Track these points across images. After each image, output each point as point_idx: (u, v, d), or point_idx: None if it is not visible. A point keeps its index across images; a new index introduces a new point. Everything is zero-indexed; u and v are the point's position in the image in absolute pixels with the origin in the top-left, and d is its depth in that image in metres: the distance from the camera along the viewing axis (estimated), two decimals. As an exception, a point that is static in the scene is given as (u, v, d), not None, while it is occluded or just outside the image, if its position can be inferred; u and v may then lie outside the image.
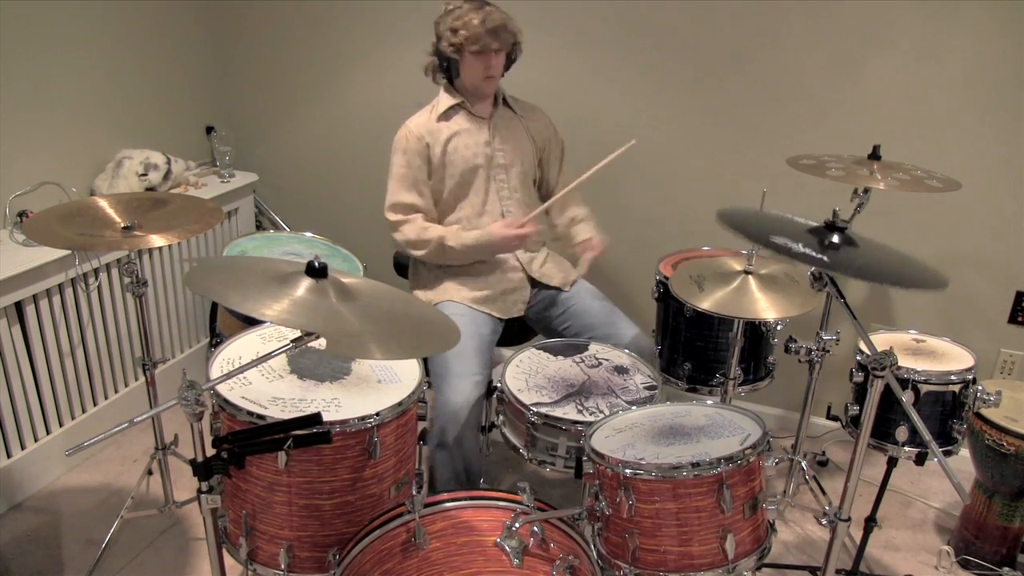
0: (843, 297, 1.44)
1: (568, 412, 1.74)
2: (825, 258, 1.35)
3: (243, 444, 1.32)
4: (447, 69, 2.15)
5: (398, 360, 1.75)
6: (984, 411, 2.08)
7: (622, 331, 2.11)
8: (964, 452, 2.18)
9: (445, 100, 2.16)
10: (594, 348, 2.04)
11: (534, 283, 2.23)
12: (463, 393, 1.88)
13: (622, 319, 2.15)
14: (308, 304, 1.29)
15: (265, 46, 3.07)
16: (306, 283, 1.32)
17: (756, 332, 2.21)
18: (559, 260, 2.31)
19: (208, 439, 1.31)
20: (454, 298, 2.16)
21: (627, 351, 2.03)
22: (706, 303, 1.84)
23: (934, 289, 1.34)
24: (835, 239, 1.43)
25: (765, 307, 1.85)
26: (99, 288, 2.50)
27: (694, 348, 2.26)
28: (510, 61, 2.17)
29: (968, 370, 1.95)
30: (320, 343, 1.77)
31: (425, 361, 1.96)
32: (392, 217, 2.16)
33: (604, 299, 2.22)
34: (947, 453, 1.98)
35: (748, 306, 1.86)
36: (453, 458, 1.92)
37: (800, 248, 1.35)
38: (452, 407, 1.88)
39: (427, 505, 1.38)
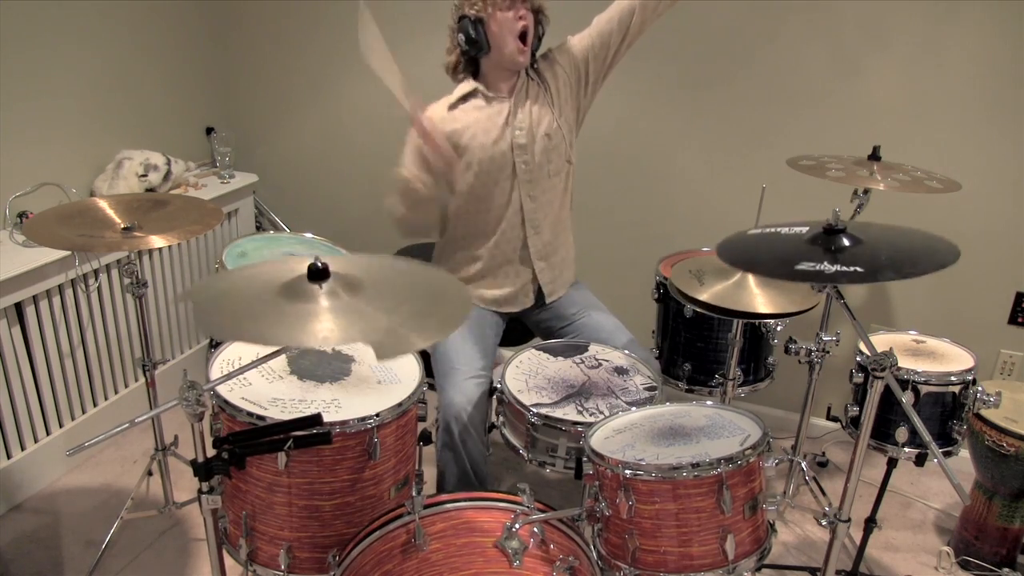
0: (843, 298, 1.44)
1: (568, 413, 1.74)
2: (860, 269, 1.33)
3: (243, 445, 1.32)
4: (474, 56, 2.00)
5: (397, 360, 1.75)
6: (984, 412, 2.08)
7: (616, 339, 2.09)
8: (964, 453, 2.18)
9: (460, 89, 2.05)
10: (594, 349, 2.04)
11: (539, 295, 2.19)
12: (465, 392, 1.87)
13: (621, 330, 2.13)
14: (340, 310, 1.21)
15: (265, 47, 3.07)
16: (318, 289, 1.25)
17: (756, 333, 2.21)
18: (563, 267, 2.22)
19: (208, 440, 1.32)
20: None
21: (627, 352, 2.03)
22: (705, 296, 1.84)
23: (953, 261, 1.34)
24: (845, 242, 1.41)
25: (763, 303, 1.85)
26: (99, 289, 2.50)
27: (694, 349, 2.26)
28: (537, 39, 2.02)
29: (968, 371, 1.95)
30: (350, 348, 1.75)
31: (428, 362, 1.96)
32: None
33: (609, 312, 2.19)
34: (947, 454, 1.98)
35: (747, 301, 1.86)
36: (459, 459, 1.90)
37: (833, 268, 1.33)
38: (456, 407, 1.86)
39: (427, 506, 1.38)
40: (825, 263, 1.34)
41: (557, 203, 2.13)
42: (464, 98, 2.05)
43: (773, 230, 1.53)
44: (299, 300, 1.23)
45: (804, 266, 1.34)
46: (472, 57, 2.03)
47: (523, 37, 1.96)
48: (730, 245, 1.51)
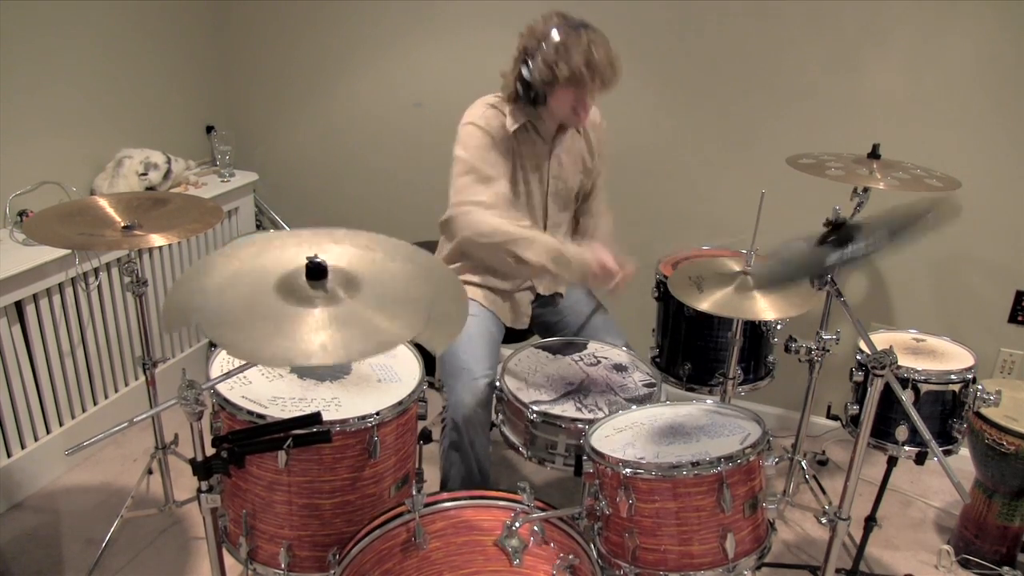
0: (843, 296, 1.44)
1: (567, 410, 1.74)
2: (878, 241, 1.36)
3: (243, 443, 1.32)
4: (532, 97, 1.90)
5: (397, 358, 1.75)
6: (984, 410, 2.08)
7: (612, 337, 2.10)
8: (964, 451, 2.18)
9: (519, 114, 1.95)
10: (593, 347, 2.04)
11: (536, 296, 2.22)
12: (476, 393, 1.87)
13: (613, 331, 2.14)
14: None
15: (265, 46, 3.07)
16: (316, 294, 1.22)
17: (756, 331, 2.21)
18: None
19: (208, 438, 1.32)
20: (469, 295, 2.13)
21: (625, 349, 2.03)
22: (705, 304, 1.83)
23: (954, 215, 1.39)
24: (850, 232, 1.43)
25: (764, 307, 1.85)
26: (99, 287, 2.50)
27: (694, 348, 2.26)
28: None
29: (968, 369, 1.95)
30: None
31: (428, 360, 1.95)
32: (472, 198, 1.90)
33: (601, 309, 2.21)
34: (947, 452, 1.98)
35: (748, 307, 1.86)
36: (467, 458, 1.90)
37: (859, 250, 1.36)
38: (467, 407, 1.86)
39: (427, 504, 1.38)
40: (850, 246, 1.37)
41: (567, 226, 2.20)
42: (523, 126, 1.97)
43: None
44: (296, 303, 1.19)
45: (834, 256, 1.38)
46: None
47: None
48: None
